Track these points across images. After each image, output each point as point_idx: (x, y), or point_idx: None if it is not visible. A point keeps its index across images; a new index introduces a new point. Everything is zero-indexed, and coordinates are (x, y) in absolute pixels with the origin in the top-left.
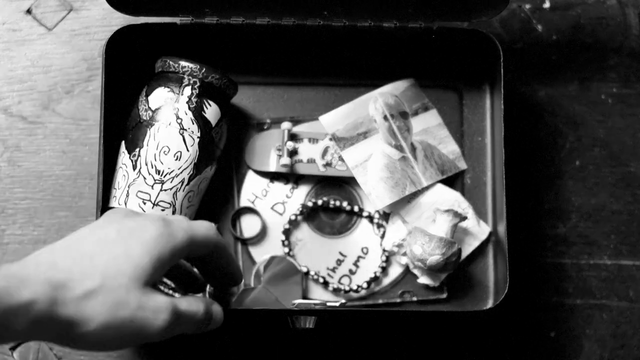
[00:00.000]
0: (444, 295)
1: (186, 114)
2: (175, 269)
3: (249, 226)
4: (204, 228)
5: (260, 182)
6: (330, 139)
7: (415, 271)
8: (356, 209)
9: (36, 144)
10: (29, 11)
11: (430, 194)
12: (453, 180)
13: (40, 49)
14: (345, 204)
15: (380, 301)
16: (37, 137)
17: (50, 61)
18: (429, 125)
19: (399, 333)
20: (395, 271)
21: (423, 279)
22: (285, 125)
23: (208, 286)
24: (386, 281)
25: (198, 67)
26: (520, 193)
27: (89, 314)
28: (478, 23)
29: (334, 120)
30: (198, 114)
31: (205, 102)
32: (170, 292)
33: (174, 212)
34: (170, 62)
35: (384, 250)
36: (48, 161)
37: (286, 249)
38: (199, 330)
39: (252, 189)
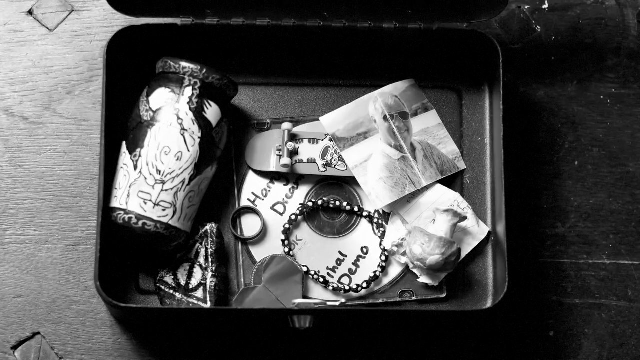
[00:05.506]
0: (444, 295)
1: (187, 114)
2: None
3: (249, 226)
4: None
5: (261, 182)
6: (331, 140)
7: (415, 271)
8: (356, 209)
9: (37, 144)
10: (30, 12)
11: (429, 194)
12: (452, 180)
13: (42, 50)
14: (345, 204)
15: (380, 300)
16: (39, 137)
17: (52, 62)
18: (428, 126)
19: (398, 332)
20: (395, 271)
21: (423, 279)
22: (286, 125)
23: (209, 283)
24: (386, 281)
25: (199, 67)
26: (519, 193)
27: None
28: (477, 24)
29: (334, 120)
30: (199, 114)
31: (206, 103)
32: (171, 291)
33: (174, 212)
34: (171, 63)
35: (384, 250)
36: (49, 161)
37: (286, 249)
38: None
39: (253, 189)
